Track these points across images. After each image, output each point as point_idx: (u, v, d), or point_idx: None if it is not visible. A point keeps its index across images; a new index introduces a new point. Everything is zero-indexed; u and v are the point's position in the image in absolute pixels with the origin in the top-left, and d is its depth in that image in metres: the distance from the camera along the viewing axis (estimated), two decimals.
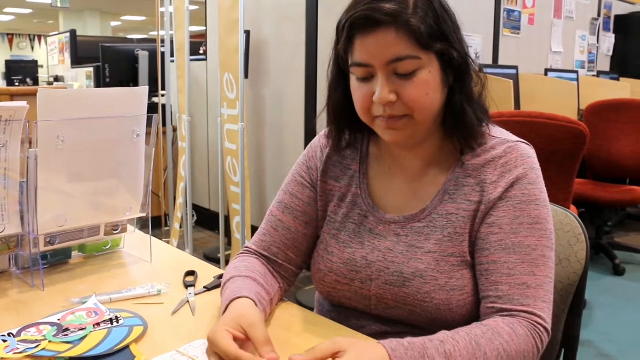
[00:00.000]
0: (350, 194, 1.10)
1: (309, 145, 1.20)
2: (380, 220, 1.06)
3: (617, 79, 5.38)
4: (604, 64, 5.98)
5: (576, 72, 4.83)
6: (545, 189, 1.01)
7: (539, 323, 0.91)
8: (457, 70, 0.97)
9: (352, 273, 1.05)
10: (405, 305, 1.00)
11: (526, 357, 0.89)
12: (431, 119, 0.98)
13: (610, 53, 6.04)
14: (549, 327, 0.93)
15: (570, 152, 2.65)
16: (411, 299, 0.99)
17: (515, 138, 1.03)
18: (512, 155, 1.00)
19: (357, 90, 0.98)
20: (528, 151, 1.01)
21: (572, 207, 2.95)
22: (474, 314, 0.99)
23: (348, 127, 1.09)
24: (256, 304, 0.95)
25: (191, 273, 1.20)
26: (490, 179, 0.99)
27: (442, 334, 0.87)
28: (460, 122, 0.99)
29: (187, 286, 1.16)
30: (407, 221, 1.04)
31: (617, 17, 6.02)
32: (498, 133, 1.04)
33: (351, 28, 0.94)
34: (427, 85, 0.94)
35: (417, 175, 1.06)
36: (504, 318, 0.92)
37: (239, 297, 0.95)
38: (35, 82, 6.32)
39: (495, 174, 0.99)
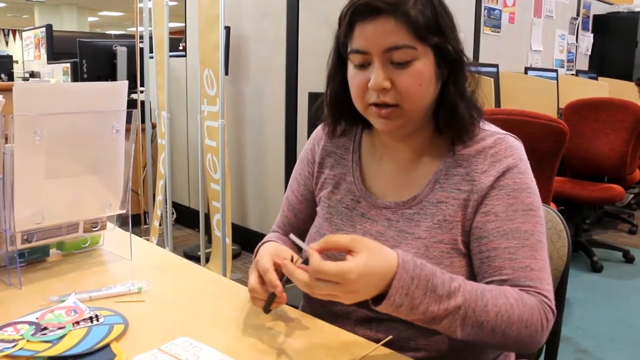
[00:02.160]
0: (344, 181, 1.14)
1: (310, 137, 1.25)
2: (373, 205, 1.09)
3: (596, 78, 5.44)
4: (583, 63, 6.05)
5: (555, 70, 4.88)
6: (534, 179, 1.03)
7: (545, 302, 0.93)
8: (451, 65, 1.00)
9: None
10: None
11: (529, 327, 0.90)
12: (421, 111, 1.01)
13: (589, 52, 6.12)
14: (554, 308, 0.94)
15: (551, 150, 2.68)
16: None
17: (503, 132, 1.06)
18: (502, 146, 1.02)
19: (354, 77, 1.01)
20: (516, 143, 1.04)
21: (552, 204, 2.97)
22: None
23: (344, 116, 1.13)
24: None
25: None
26: (480, 169, 1.01)
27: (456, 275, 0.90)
28: (452, 116, 1.01)
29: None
30: (398, 207, 1.06)
31: (595, 16, 6.10)
32: (488, 127, 1.07)
33: (352, 14, 0.97)
34: (421, 76, 0.97)
35: (409, 165, 1.08)
36: (515, 288, 0.93)
37: (270, 241, 1.15)
38: (10, 77, 6.20)
39: (485, 164, 1.01)
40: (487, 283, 0.97)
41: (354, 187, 1.12)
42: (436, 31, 0.96)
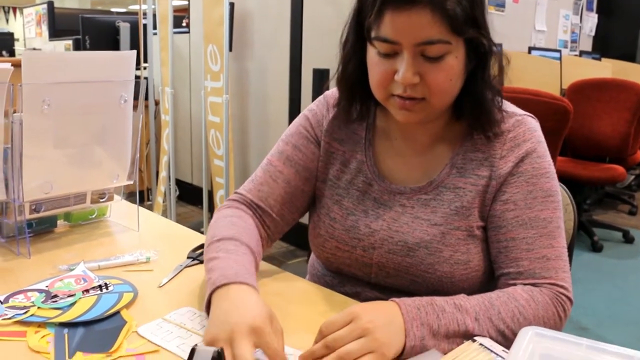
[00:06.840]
0: (355, 160, 1.08)
1: (316, 100, 1.15)
2: (386, 190, 1.05)
3: (599, 59, 5.42)
4: (586, 44, 6.01)
5: (559, 51, 4.85)
6: (552, 161, 1.00)
7: (561, 293, 0.92)
8: (482, 57, 0.94)
9: (354, 240, 1.04)
10: (406, 275, 1.00)
11: (546, 323, 0.89)
12: (447, 104, 0.96)
13: (593, 33, 6.08)
14: (571, 295, 0.94)
15: (554, 129, 2.68)
16: (414, 268, 0.99)
17: (522, 112, 1.03)
18: (520, 129, 0.99)
19: (377, 65, 0.93)
20: (534, 125, 1.01)
21: None
22: (475, 288, 1.00)
23: (359, 99, 1.05)
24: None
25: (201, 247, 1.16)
26: (499, 154, 0.98)
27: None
28: (479, 108, 0.97)
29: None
30: (414, 192, 1.03)
31: None
32: (505, 106, 1.02)
33: (383, 2, 0.88)
34: (452, 71, 0.90)
35: (425, 149, 1.04)
36: (524, 286, 0.92)
37: (250, 285, 0.85)
38: (12, 54, 6.17)
39: (505, 149, 0.98)
40: (504, 273, 0.96)
41: (366, 168, 1.07)
42: (472, 24, 0.89)
